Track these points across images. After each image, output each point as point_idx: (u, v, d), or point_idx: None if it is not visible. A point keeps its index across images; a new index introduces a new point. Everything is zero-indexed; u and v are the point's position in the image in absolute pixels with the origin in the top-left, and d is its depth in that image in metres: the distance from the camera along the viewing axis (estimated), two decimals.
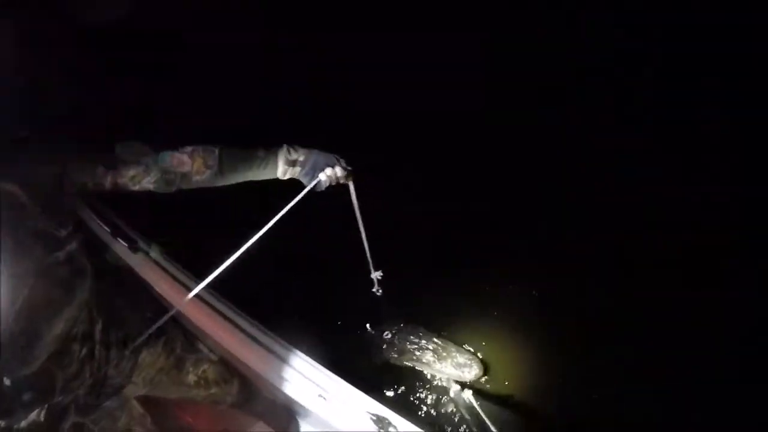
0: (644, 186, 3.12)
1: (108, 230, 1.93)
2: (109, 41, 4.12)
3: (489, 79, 3.81)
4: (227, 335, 1.70)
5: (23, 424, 1.24)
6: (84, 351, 1.29)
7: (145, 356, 1.51)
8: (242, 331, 1.71)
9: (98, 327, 1.33)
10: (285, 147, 1.43)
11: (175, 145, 1.37)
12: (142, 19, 4.20)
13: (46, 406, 1.27)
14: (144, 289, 1.82)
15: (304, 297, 2.89)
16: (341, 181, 1.49)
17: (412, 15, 4.18)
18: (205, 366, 1.71)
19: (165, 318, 1.49)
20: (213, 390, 1.77)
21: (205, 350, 1.76)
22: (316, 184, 1.43)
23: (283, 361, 1.65)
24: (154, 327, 1.49)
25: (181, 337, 1.67)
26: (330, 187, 1.48)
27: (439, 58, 3.90)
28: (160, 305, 1.77)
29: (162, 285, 1.79)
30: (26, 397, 1.19)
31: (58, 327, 1.17)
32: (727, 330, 2.46)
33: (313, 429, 1.94)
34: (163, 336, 1.57)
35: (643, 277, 2.76)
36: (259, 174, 1.44)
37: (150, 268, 1.85)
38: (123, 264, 1.88)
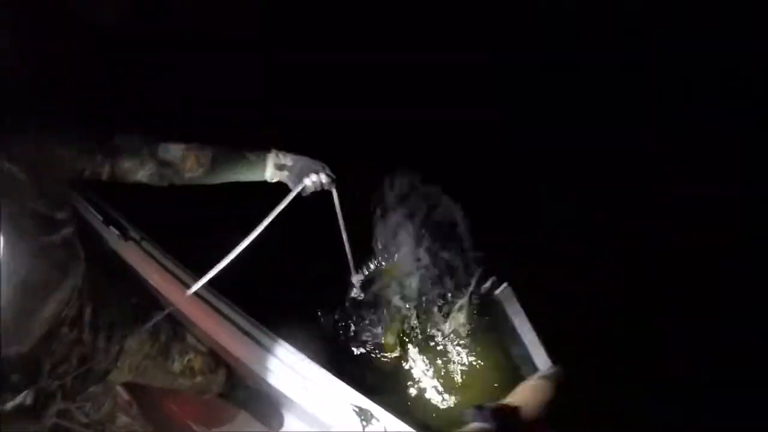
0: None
1: (100, 218, 1.95)
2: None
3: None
4: (214, 325, 1.73)
5: (9, 406, 1.26)
6: (72, 335, 1.31)
7: (131, 343, 1.53)
8: (229, 321, 1.74)
9: (87, 311, 1.35)
10: (274, 151, 1.48)
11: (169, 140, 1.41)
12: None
13: (33, 389, 1.29)
14: (132, 276, 1.84)
15: (288, 292, 2.92)
16: (325, 188, 1.54)
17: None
18: (192, 355, 1.73)
19: (163, 314, 1.52)
20: (199, 379, 1.78)
21: (192, 340, 1.78)
22: (301, 189, 1.47)
23: (268, 351, 1.68)
24: (154, 321, 1.53)
25: (168, 325, 1.69)
26: (315, 193, 1.53)
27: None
28: (146, 292, 1.79)
29: (151, 274, 1.81)
30: (14, 378, 1.21)
31: (50, 309, 1.19)
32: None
33: (296, 419, 1.97)
34: (150, 324, 1.59)
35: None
36: (248, 175, 1.48)
37: (140, 257, 1.87)
38: (112, 251, 1.90)
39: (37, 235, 1.08)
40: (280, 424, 2.02)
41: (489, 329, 2.71)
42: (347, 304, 2.78)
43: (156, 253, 1.89)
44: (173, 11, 4.41)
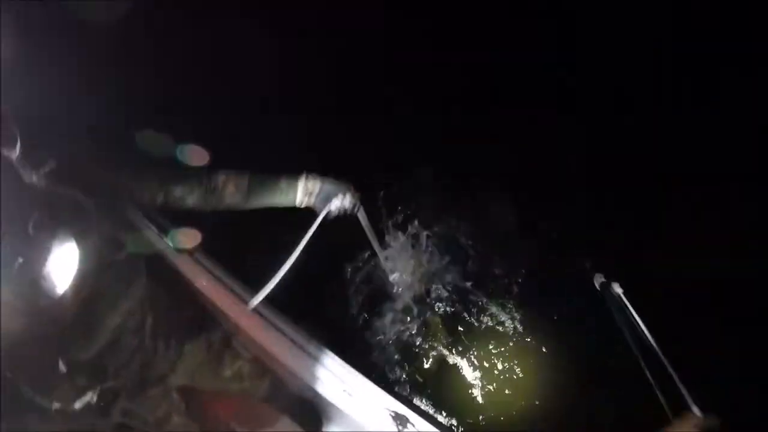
0: None
1: (155, 230, 2.09)
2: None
3: None
4: (263, 333, 1.84)
5: (77, 405, 1.40)
6: (134, 342, 1.46)
7: (187, 350, 1.67)
8: (276, 329, 1.86)
9: (148, 321, 1.50)
10: (304, 178, 1.61)
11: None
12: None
13: (98, 389, 1.42)
14: (186, 286, 1.98)
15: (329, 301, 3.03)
16: (349, 212, 1.66)
17: None
18: (241, 362, 1.86)
19: (217, 324, 1.66)
20: (246, 384, 1.91)
21: (240, 347, 1.91)
22: (327, 214, 1.59)
23: (313, 358, 1.79)
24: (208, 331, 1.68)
25: (220, 333, 1.82)
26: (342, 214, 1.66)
27: None
28: (199, 302, 1.93)
29: (204, 284, 1.94)
30: (80, 380, 1.34)
31: (115, 318, 1.33)
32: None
33: (335, 424, 2.06)
34: (204, 332, 1.72)
35: None
36: (280, 201, 1.63)
37: (193, 268, 2.00)
38: (169, 263, 2.04)
39: (106, 254, 1.22)
40: (320, 427, 2.12)
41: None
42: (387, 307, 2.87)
43: (208, 263, 2.01)
44: None
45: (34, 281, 1.08)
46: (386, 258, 2.46)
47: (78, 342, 1.30)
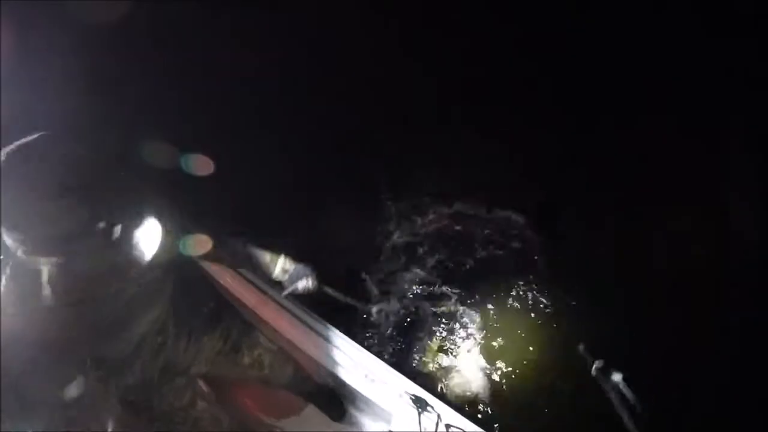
0: None
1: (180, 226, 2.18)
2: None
3: None
4: (286, 324, 1.93)
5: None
6: (159, 340, 1.61)
7: (206, 341, 1.79)
8: (299, 320, 1.95)
9: (171, 322, 1.63)
10: (283, 257, 1.81)
11: None
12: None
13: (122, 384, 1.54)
14: (209, 280, 2.07)
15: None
16: (311, 291, 1.84)
17: None
18: (260, 350, 1.95)
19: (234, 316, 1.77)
20: (267, 372, 1.99)
21: (261, 336, 2.00)
22: (292, 290, 1.81)
23: (335, 346, 1.87)
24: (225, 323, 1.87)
25: (238, 323, 1.93)
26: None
27: None
28: (221, 295, 2.03)
29: (227, 278, 2.04)
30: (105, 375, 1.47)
31: (145, 324, 1.46)
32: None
33: (358, 411, 2.14)
34: (221, 324, 1.85)
35: None
36: (262, 270, 1.81)
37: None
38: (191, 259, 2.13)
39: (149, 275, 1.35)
40: (343, 414, 2.21)
41: None
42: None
43: None
44: None
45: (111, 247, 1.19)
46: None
47: (114, 342, 1.42)
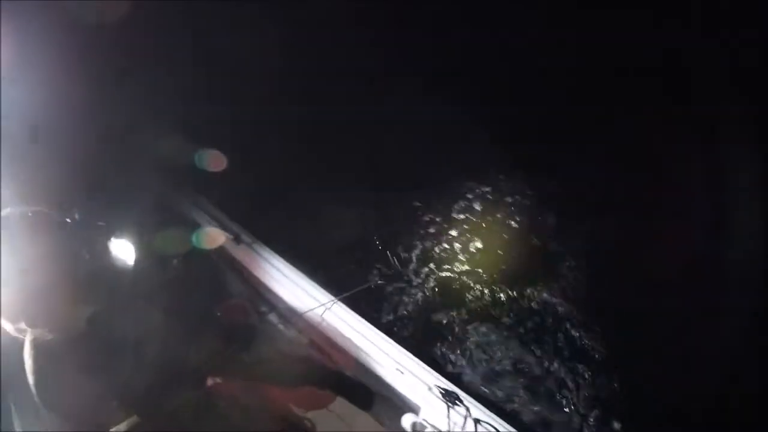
0: None
1: (215, 224, 2.25)
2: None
3: None
4: (316, 318, 1.99)
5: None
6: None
7: (211, 342, 1.84)
8: (335, 315, 2.00)
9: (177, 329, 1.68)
10: None
11: None
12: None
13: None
14: (241, 274, 2.14)
15: None
16: None
17: None
18: (298, 348, 2.01)
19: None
20: (296, 366, 2.05)
21: (297, 333, 2.05)
22: None
23: (369, 340, 1.92)
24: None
25: (278, 321, 2.00)
26: None
27: None
28: (252, 288, 2.09)
29: (261, 273, 2.10)
30: None
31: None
32: None
33: (387, 405, 2.18)
34: (227, 323, 1.96)
35: None
36: None
37: (251, 258, 2.16)
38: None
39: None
40: (372, 405, 2.24)
41: None
42: None
43: (265, 254, 2.16)
44: None
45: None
46: None
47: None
